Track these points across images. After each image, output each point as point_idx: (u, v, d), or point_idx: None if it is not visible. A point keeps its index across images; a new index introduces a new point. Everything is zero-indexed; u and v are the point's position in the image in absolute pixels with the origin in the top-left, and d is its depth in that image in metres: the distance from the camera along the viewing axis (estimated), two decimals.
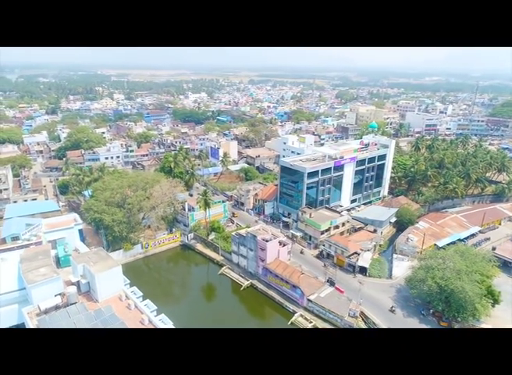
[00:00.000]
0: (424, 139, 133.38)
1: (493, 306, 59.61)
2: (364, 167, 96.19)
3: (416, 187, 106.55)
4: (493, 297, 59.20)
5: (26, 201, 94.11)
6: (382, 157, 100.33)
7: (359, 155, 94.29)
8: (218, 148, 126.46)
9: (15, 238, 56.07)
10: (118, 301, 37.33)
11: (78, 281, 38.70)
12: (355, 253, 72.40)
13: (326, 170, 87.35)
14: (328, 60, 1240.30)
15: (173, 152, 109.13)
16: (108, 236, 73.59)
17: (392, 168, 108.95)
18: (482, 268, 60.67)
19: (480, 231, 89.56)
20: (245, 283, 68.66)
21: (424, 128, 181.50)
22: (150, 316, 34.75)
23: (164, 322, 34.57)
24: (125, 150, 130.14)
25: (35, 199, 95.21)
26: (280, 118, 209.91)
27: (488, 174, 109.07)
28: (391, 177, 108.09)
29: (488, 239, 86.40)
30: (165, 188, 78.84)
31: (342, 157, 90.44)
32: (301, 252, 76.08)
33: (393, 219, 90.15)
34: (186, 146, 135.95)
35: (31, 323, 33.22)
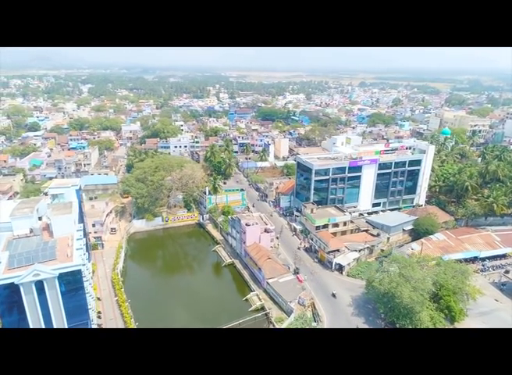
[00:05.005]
0: (495, 149, 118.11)
1: (451, 323, 55.55)
2: (389, 171, 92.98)
3: (462, 200, 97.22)
4: (450, 313, 55.13)
5: (99, 174, 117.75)
6: (417, 163, 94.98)
7: (383, 157, 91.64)
8: (269, 145, 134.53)
9: None
10: (65, 240, 50.09)
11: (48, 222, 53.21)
12: (337, 250, 73.28)
13: (339, 169, 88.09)
14: (467, 61, 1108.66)
15: (214, 144, 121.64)
16: (134, 206, 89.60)
17: (436, 176, 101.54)
18: (450, 282, 56.64)
19: None
20: (227, 261, 76.51)
21: None
22: (73, 251, 46.66)
23: (82, 258, 46.08)
24: (192, 141, 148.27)
25: (106, 174, 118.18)
26: (361, 121, 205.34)
27: None
28: (432, 186, 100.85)
29: None
30: (187, 172, 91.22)
31: (360, 158, 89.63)
32: (277, 238, 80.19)
33: (408, 227, 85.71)
34: (247, 141, 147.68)
35: (2, 243, 48.39)
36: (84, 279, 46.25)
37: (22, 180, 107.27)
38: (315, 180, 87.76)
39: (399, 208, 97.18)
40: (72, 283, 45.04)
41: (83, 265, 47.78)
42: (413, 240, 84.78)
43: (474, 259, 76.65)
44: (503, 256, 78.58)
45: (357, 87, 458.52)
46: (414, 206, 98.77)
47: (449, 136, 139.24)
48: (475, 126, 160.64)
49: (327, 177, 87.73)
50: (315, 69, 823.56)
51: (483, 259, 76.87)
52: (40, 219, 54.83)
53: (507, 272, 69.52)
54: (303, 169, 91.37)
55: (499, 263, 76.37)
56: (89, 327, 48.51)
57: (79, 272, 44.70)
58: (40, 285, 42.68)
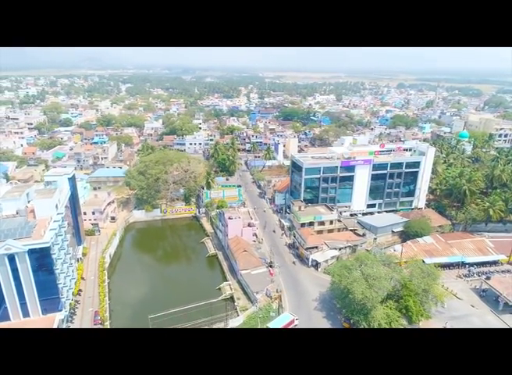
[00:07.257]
0: (510, 153, 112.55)
1: (409, 323, 55.35)
2: (385, 172, 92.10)
3: (463, 204, 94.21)
4: (408, 313, 54.97)
5: (114, 167, 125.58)
6: (415, 164, 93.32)
7: (378, 158, 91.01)
8: (278, 144, 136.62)
9: None
10: (45, 220, 55.92)
11: None
12: (315, 247, 74.37)
13: (330, 169, 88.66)
14: None
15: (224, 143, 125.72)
16: (135, 197, 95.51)
17: (438, 179, 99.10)
18: (413, 283, 56.44)
19: (509, 262, 76.25)
20: (211, 252, 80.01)
21: None
22: (47, 231, 52.02)
23: (52, 237, 51.30)
24: (207, 139, 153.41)
25: (120, 167, 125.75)
26: (384, 122, 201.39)
27: None
28: (433, 189, 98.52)
29: (509, 271, 73.11)
30: (184, 167, 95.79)
31: (353, 158, 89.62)
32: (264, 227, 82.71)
33: (398, 229, 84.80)
34: (257, 140, 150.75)
35: None
36: (54, 256, 51.39)
37: (43, 170, 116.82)
38: (307, 179, 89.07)
39: (396, 210, 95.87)
40: (42, 259, 50.32)
41: (56, 244, 53.13)
42: (402, 242, 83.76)
43: (461, 264, 74.80)
44: (494, 263, 75.99)
45: (393, 89, 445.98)
46: (412, 209, 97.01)
47: (465, 139, 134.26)
48: (501, 129, 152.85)
49: (318, 176, 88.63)
50: (355, 70, 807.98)
51: (471, 265, 74.78)
52: (29, 202, 61.13)
53: (489, 278, 67.26)
54: (296, 168, 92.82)
55: (487, 269, 73.97)
56: (60, 303, 53.84)
57: (48, 249, 49.85)
58: (13, 259, 48.29)
